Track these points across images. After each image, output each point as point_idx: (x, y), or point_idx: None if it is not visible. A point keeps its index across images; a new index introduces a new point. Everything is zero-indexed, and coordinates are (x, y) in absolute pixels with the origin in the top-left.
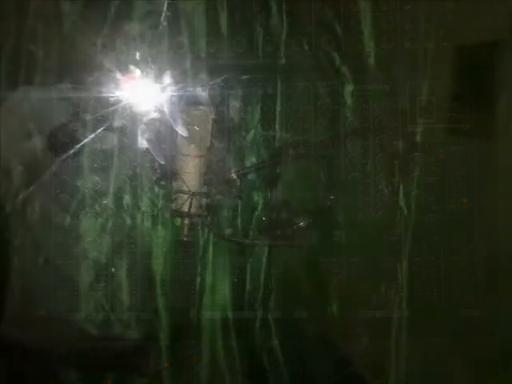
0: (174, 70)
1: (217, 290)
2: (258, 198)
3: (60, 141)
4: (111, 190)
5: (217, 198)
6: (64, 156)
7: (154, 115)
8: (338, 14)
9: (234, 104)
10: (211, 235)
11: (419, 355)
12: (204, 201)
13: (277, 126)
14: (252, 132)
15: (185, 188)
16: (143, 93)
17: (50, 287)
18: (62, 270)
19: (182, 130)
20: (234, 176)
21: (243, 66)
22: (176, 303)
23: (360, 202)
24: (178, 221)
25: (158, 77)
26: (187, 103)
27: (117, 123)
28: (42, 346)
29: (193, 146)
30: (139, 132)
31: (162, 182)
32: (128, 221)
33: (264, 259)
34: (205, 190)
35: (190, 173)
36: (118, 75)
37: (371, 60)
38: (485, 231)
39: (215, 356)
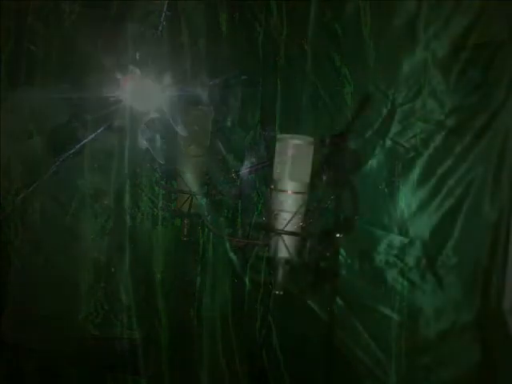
0: (173, 70)
1: (217, 290)
2: (257, 198)
3: (60, 141)
4: (111, 189)
5: (217, 198)
6: (64, 156)
7: (154, 115)
8: (338, 14)
9: (234, 104)
10: (211, 235)
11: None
12: (204, 201)
13: (277, 126)
14: (252, 132)
15: (185, 188)
16: (143, 93)
17: (50, 287)
18: (61, 269)
19: (182, 130)
20: (233, 176)
21: (243, 66)
22: (176, 303)
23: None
24: (178, 221)
25: (158, 77)
26: (187, 103)
27: (117, 123)
28: (42, 346)
29: (193, 146)
30: (139, 132)
31: (162, 182)
32: (128, 221)
33: (264, 259)
34: (205, 190)
35: (190, 173)
36: (118, 75)
37: (371, 60)
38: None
39: (215, 355)
